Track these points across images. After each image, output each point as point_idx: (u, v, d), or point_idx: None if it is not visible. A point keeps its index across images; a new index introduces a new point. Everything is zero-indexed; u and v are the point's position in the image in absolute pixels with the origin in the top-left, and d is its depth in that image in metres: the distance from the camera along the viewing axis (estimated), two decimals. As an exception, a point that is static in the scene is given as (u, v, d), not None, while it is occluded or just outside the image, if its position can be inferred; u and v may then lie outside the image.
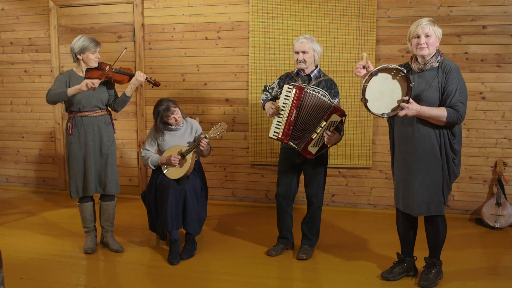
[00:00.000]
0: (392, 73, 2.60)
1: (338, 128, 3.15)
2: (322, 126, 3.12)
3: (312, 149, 3.18)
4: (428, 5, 4.20)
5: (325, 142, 3.14)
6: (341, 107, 3.28)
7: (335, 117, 3.10)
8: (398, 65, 2.63)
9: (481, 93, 4.20)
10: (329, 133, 3.10)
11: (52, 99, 3.29)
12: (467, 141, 4.25)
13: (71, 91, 3.22)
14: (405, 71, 2.59)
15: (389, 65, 2.58)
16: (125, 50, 3.53)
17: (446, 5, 4.17)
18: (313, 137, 3.15)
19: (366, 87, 2.59)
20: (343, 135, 3.25)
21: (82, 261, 3.34)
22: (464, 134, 4.23)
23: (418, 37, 2.68)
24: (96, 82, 3.20)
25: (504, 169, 4.16)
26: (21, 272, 3.11)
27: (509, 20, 4.06)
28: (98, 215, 3.59)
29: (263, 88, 3.54)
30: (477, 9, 4.12)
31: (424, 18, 2.72)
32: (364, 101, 2.60)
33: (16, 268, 3.16)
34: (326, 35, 4.39)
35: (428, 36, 2.66)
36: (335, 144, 3.20)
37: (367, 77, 2.59)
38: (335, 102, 3.23)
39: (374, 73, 2.58)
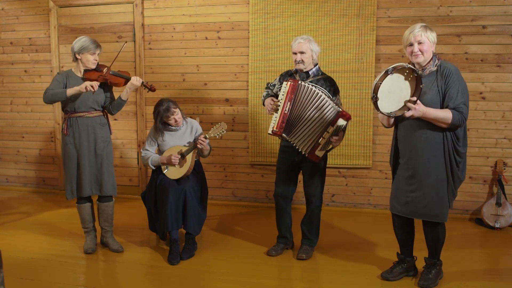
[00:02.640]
0: (406, 73, 2.58)
1: (343, 130, 3.18)
2: (329, 131, 3.14)
3: (319, 153, 3.20)
4: (428, 5, 4.20)
5: (333, 146, 3.18)
6: (342, 107, 3.30)
7: (341, 122, 3.12)
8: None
9: (481, 93, 4.20)
10: (336, 137, 3.14)
11: (49, 99, 3.27)
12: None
13: (70, 91, 3.22)
14: (419, 72, 2.58)
15: (404, 64, 2.56)
16: (125, 44, 3.53)
17: (446, 5, 4.17)
18: (320, 142, 3.17)
19: (380, 85, 2.54)
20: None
21: (82, 261, 3.34)
22: (464, 134, 4.23)
23: (411, 45, 2.68)
24: (96, 85, 3.21)
25: (504, 169, 4.15)
26: (21, 272, 3.11)
27: (509, 20, 4.06)
28: (97, 216, 3.59)
29: (265, 86, 3.55)
30: (477, 9, 4.11)
31: (417, 24, 2.72)
32: (375, 99, 2.56)
33: (16, 268, 3.16)
34: (326, 35, 4.39)
35: (421, 43, 2.65)
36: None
37: (381, 75, 2.55)
38: (335, 99, 3.23)
39: (390, 72, 2.54)
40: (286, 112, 3.18)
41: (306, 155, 3.21)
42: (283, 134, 3.22)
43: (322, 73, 3.34)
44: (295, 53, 3.24)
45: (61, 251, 3.50)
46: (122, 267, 3.27)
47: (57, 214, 4.53)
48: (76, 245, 3.62)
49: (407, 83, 2.60)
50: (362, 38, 4.33)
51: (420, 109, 2.58)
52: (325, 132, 3.14)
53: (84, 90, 3.19)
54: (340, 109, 3.11)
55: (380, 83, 2.54)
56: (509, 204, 4.04)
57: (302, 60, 3.23)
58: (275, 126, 3.22)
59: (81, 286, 2.94)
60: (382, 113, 2.63)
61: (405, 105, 2.61)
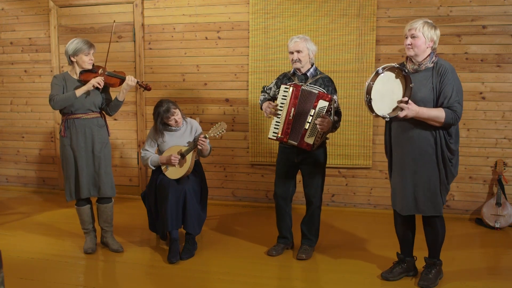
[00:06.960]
0: (396, 72, 2.60)
1: (329, 113, 3.15)
2: (312, 114, 3.14)
3: (309, 140, 3.18)
4: (428, 5, 4.20)
5: (319, 130, 3.14)
6: (341, 107, 3.30)
7: (322, 103, 3.12)
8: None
9: (481, 93, 4.20)
10: (319, 120, 3.11)
11: (60, 104, 3.27)
12: (467, 141, 4.25)
13: (79, 92, 3.24)
14: (407, 71, 2.59)
15: (393, 64, 2.58)
16: (114, 24, 3.64)
17: (446, 5, 4.17)
18: (307, 128, 3.16)
19: (372, 86, 2.55)
20: (338, 125, 3.28)
21: (82, 261, 3.34)
22: (464, 134, 4.23)
23: (407, 37, 2.71)
24: (101, 81, 3.26)
25: (504, 169, 4.15)
26: (21, 272, 3.11)
27: (509, 20, 4.06)
28: (97, 216, 3.58)
29: (261, 90, 3.55)
30: (477, 9, 4.11)
31: (420, 19, 2.72)
32: (369, 100, 2.56)
33: (16, 268, 3.16)
34: (326, 35, 4.39)
35: (414, 37, 2.67)
36: (331, 131, 3.21)
37: (372, 76, 2.57)
38: (334, 98, 3.23)
39: (381, 72, 2.55)
40: (290, 118, 3.18)
41: (296, 144, 3.20)
42: (290, 140, 3.22)
43: (320, 72, 3.34)
44: (292, 52, 3.24)
45: (61, 251, 3.51)
46: (122, 267, 3.27)
47: (57, 214, 4.53)
48: (76, 245, 3.62)
49: (398, 83, 2.62)
50: (362, 38, 4.33)
51: (412, 109, 2.60)
52: (308, 116, 3.15)
53: (92, 88, 3.26)
54: (317, 91, 3.12)
55: (373, 84, 2.56)
56: (509, 204, 4.04)
57: (299, 59, 3.22)
58: (280, 132, 3.22)
59: (81, 286, 2.94)
60: (377, 115, 2.62)
61: (397, 105, 2.62)
